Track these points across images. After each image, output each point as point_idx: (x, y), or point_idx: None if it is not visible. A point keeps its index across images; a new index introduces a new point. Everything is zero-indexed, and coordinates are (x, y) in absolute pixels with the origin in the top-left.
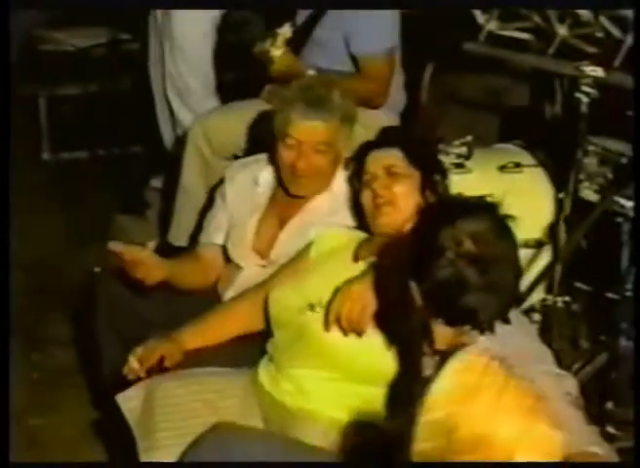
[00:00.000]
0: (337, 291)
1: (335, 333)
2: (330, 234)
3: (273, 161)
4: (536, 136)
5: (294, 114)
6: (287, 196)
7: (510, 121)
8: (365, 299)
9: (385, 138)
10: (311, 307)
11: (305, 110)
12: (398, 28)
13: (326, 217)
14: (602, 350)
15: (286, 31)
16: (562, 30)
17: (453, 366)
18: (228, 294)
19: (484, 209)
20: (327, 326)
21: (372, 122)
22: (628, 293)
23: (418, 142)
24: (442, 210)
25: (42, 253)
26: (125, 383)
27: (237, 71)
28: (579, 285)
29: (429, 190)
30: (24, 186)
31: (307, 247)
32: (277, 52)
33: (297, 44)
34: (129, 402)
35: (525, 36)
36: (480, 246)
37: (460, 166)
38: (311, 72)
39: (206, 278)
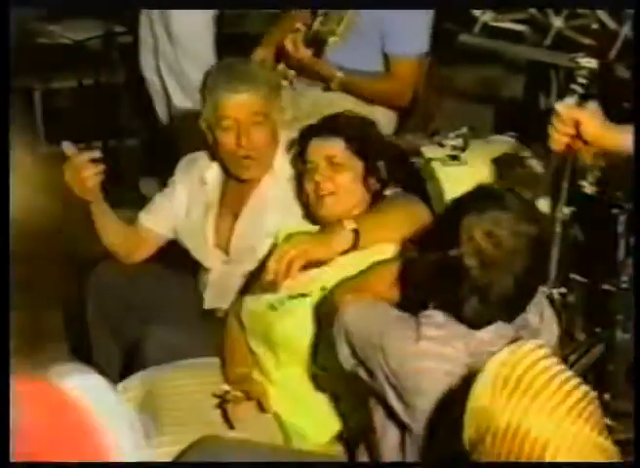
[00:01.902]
0: None
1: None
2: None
3: (214, 157)
4: (531, 128)
5: (220, 92)
6: (237, 185)
7: (506, 113)
8: None
9: (327, 127)
10: (272, 307)
11: (231, 84)
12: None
13: (274, 203)
14: (598, 342)
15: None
16: (557, 22)
17: (500, 357)
18: (207, 296)
19: (529, 216)
20: None
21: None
22: (624, 285)
23: (360, 131)
24: (478, 196)
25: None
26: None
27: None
28: (574, 276)
29: (373, 178)
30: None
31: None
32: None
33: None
34: (127, 392)
35: (520, 28)
36: (494, 246)
37: (455, 158)
38: (338, 73)
39: (129, 249)
